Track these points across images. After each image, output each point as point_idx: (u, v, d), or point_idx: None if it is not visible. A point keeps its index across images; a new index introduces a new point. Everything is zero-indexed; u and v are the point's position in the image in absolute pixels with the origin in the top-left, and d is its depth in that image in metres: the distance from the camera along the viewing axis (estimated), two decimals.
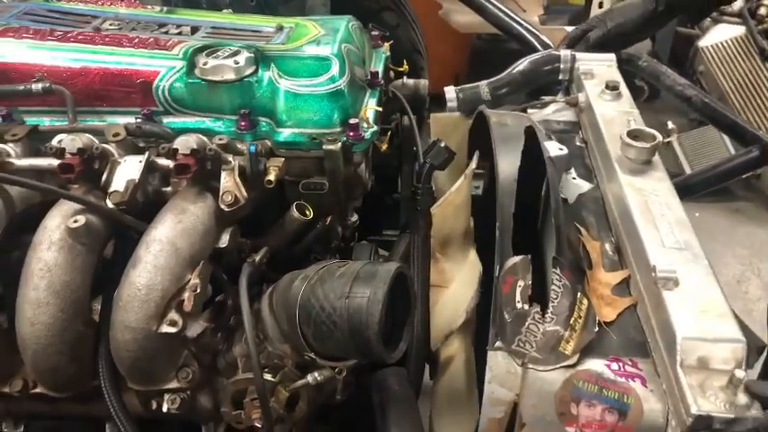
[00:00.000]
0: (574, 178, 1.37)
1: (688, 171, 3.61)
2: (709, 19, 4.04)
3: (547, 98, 1.76)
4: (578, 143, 1.48)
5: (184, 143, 1.01)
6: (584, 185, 1.35)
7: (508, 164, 1.13)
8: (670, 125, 3.97)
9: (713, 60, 3.78)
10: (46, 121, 1.18)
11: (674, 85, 1.92)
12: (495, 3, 1.97)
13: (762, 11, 3.75)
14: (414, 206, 1.22)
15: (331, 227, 1.20)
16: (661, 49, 4.24)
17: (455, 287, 1.19)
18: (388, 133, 1.28)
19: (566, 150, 1.19)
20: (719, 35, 3.80)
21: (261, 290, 1.07)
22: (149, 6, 1.41)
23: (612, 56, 1.63)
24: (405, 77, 1.62)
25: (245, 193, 1.02)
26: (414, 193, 1.21)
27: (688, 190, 1.98)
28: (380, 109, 1.22)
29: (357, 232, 1.65)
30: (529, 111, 1.67)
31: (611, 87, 1.46)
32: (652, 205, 1.16)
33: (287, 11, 1.95)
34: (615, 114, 1.40)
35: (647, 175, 1.23)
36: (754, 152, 1.79)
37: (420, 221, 1.21)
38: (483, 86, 1.59)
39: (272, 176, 1.05)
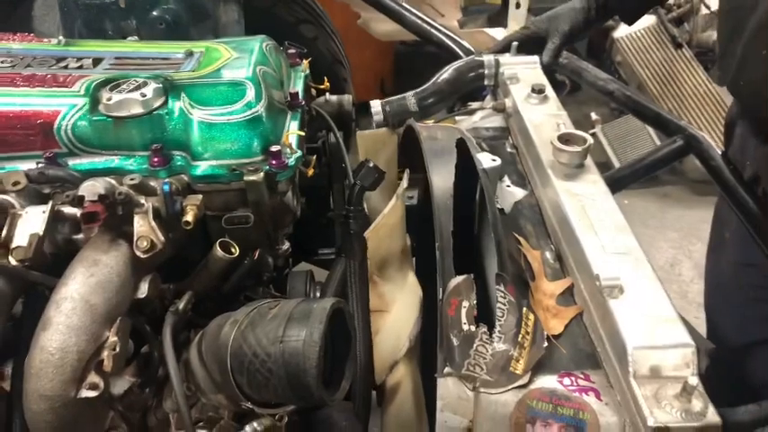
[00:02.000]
0: (508, 186, 1.34)
1: (614, 160, 3.68)
2: None
3: (474, 104, 1.74)
4: (509, 149, 1.46)
5: (91, 188, 0.93)
6: (519, 193, 1.33)
7: (442, 180, 1.08)
8: (594, 116, 4.05)
9: (629, 50, 3.87)
10: None
11: (595, 81, 1.93)
12: (413, 10, 1.93)
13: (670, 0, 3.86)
14: (347, 230, 1.17)
15: (260, 261, 1.13)
16: (577, 41, 4.32)
17: (396, 311, 1.14)
18: (314, 157, 1.22)
19: (499, 161, 1.16)
20: (633, 26, 3.90)
21: (189, 337, 1.00)
22: (46, 39, 1.31)
23: (536, 58, 1.61)
24: (327, 94, 1.56)
25: (161, 238, 0.94)
26: (346, 216, 1.16)
27: (618, 184, 1.99)
28: (303, 133, 1.16)
29: (291, 257, 1.59)
30: (457, 118, 1.65)
31: (538, 91, 1.44)
32: (590, 210, 1.14)
33: (199, 32, 1.87)
34: (543, 118, 1.38)
35: (582, 179, 1.21)
36: (679, 142, 1.81)
37: (355, 245, 1.16)
38: (409, 97, 1.54)
39: (189, 217, 0.98)
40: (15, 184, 1.00)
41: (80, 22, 1.83)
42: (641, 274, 1.01)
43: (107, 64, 1.21)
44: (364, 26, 2.29)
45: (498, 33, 2.24)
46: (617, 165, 3.61)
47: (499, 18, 3.28)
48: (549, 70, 1.66)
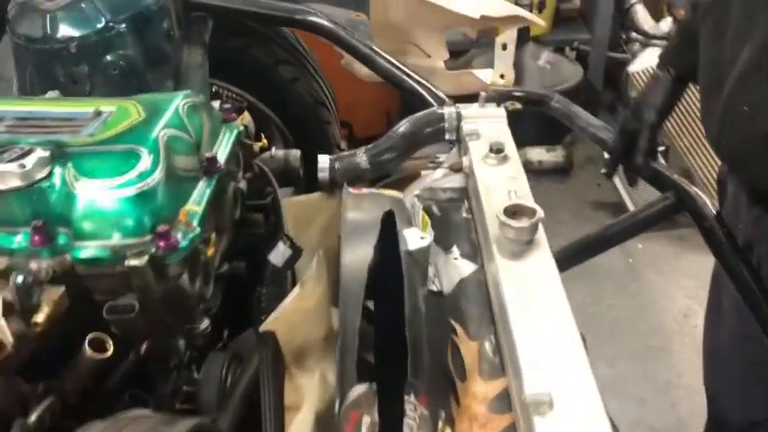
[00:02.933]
0: (456, 258, 1.20)
1: (627, 200, 3.49)
2: (638, 43, 3.97)
3: (442, 157, 1.60)
4: (465, 214, 1.31)
5: None
6: (468, 267, 1.18)
7: (354, 264, 0.95)
8: (606, 155, 3.81)
9: (643, 85, 3.69)
10: None
11: (586, 127, 1.79)
12: (383, 54, 1.81)
13: None
14: (258, 314, 1.03)
15: (160, 352, 1.00)
16: (594, 75, 4.16)
17: (304, 410, 1.00)
18: (213, 235, 1.09)
19: (429, 240, 1.01)
20: (648, 59, 3.73)
21: None
22: None
23: (502, 111, 1.47)
24: (273, 149, 1.44)
25: (10, 338, 0.82)
26: (257, 299, 1.03)
27: (606, 242, 1.83)
28: (199, 209, 1.03)
29: (231, 327, 1.46)
30: (423, 173, 1.51)
31: (496, 150, 1.30)
32: (531, 298, 0.99)
33: (157, 77, 1.77)
34: (498, 182, 1.24)
35: (529, 259, 1.06)
36: (671, 199, 1.64)
37: (266, 334, 1.02)
38: (360, 154, 1.42)
39: (40, 317, 0.86)
40: None
41: (31, 68, 1.75)
42: (579, 384, 0.86)
43: (4, 126, 1.10)
44: (348, 67, 2.18)
45: (485, 75, 2.10)
46: (630, 206, 3.42)
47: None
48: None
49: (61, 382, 0.91)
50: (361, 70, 2.27)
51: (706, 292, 3.15)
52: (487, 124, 1.42)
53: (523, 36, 3.73)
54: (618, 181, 3.56)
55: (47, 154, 0.99)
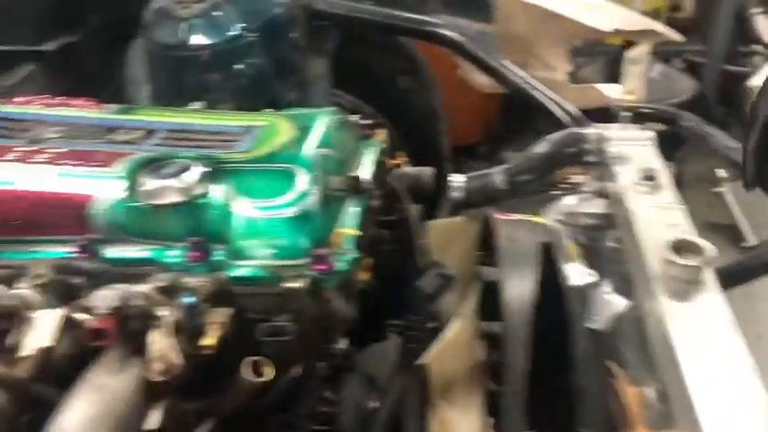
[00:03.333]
0: (607, 293, 1.13)
1: (743, 226, 3.30)
2: (759, 56, 3.76)
3: (577, 178, 1.52)
4: (612, 244, 1.24)
5: (103, 300, 0.82)
6: (621, 303, 1.11)
7: (518, 300, 0.90)
8: (721, 173, 3.63)
9: None
10: None
11: (722, 149, 1.68)
12: (512, 67, 1.75)
13: None
14: (406, 344, 1.00)
15: (305, 376, 0.98)
16: (708, 88, 3.96)
17: None
18: (369, 260, 1.07)
19: (595, 277, 0.95)
20: None
21: None
22: (104, 107, 1.23)
23: (651, 134, 1.39)
24: (406, 166, 1.41)
25: (178, 360, 0.81)
26: (406, 327, 1.00)
27: (748, 273, 1.71)
28: (353, 232, 1.01)
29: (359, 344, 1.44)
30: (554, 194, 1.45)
31: (648, 177, 1.22)
32: (704, 345, 0.92)
33: (283, 86, 1.77)
34: (654, 213, 1.16)
35: (698, 299, 0.98)
36: None
37: (414, 363, 0.99)
38: (497, 174, 1.36)
39: (209, 339, 0.85)
40: (37, 276, 0.91)
41: (164, 73, 1.79)
42: None
43: (158, 138, 1.11)
44: (465, 77, 2.13)
45: (612, 90, 2.01)
46: (745, 228, 3.23)
47: (615, 65, 3.01)
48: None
49: (217, 404, 0.91)
50: (479, 80, 2.22)
51: None
52: (635, 147, 1.34)
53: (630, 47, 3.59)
54: (732, 201, 3.37)
55: (205, 170, 0.98)
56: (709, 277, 1.02)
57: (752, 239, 3.16)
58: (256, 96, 1.73)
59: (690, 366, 0.88)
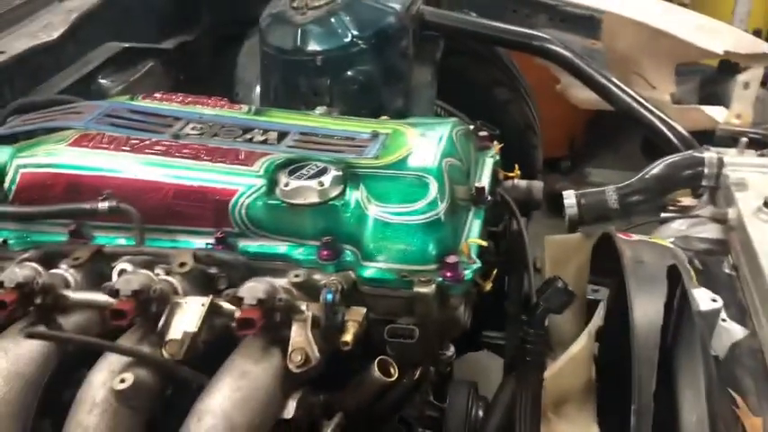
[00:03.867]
0: (724, 320, 1.12)
1: None
2: None
3: (686, 201, 1.51)
4: (727, 270, 1.23)
5: (251, 291, 0.87)
6: (738, 332, 1.10)
7: (647, 321, 0.90)
8: None
9: None
10: (120, 240, 1.07)
11: None
12: (620, 84, 1.74)
13: None
14: (523, 356, 1.02)
15: (421, 379, 1.01)
16: None
17: None
18: (494, 272, 1.09)
19: (720, 302, 0.95)
20: None
21: None
22: (237, 107, 1.29)
23: None
24: (516, 179, 1.42)
25: (316, 353, 0.85)
26: (524, 340, 1.01)
27: None
28: (485, 243, 1.03)
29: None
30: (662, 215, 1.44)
31: None
32: None
33: (390, 94, 1.80)
34: None
35: None
36: None
37: (529, 375, 1.00)
38: (610, 192, 1.36)
39: (348, 336, 0.88)
40: (182, 265, 0.97)
41: (277, 76, 1.84)
42: None
43: (291, 140, 1.16)
44: (563, 91, 2.12)
45: (718, 113, 1.97)
46: None
47: (713, 83, 2.93)
48: None
49: (343, 399, 0.94)
50: (578, 95, 2.21)
51: None
52: (755, 174, 1.32)
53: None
54: None
55: (340, 173, 1.02)
56: None
57: None
58: (364, 102, 1.77)
59: None
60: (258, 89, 1.96)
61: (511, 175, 1.36)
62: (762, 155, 1.46)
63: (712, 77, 3.04)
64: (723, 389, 0.97)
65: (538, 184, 1.44)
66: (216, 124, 1.20)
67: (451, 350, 1.15)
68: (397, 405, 1.01)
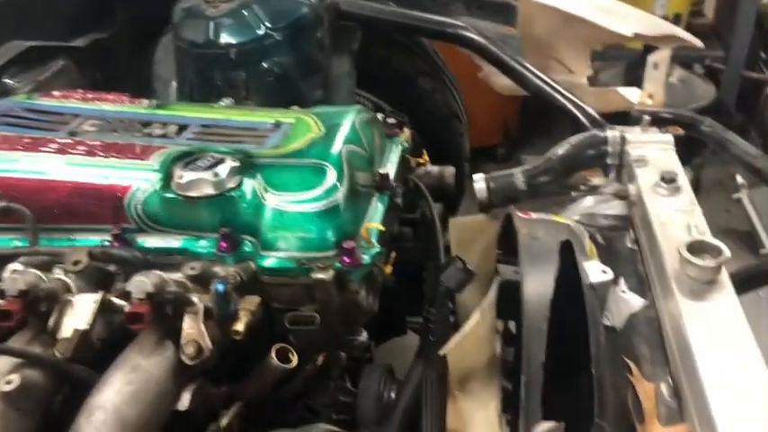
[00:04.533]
0: (623, 292, 1.15)
1: (761, 231, 3.29)
2: None
3: (596, 180, 1.55)
4: (629, 245, 1.27)
5: (139, 285, 0.86)
6: (637, 302, 1.13)
7: (537, 295, 0.92)
8: (739, 180, 3.63)
9: None
10: (15, 241, 1.04)
11: (742, 155, 1.69)
12: (533, 69, 1.77)
13: None
14: (426, 335, 1.03)
15: (326, 365, 1.02)
16: (727, 94, 3.96)
17: None
18: (392, 254, 1.10)
19: (610, 275, 0.98)
20: None
21: None
22: (138, 101, 1.27)
23: (670, 138, 1.41)
24: (428, 165, 1.44)
25: (209, 344, 0.85)
26: (427, 320, 1.03)
27: (765, 277, 1.72)
28: (380, 226, 1.04)
29: (377, 337, 1.47)
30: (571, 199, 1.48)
31: (668, 180, 1.25)
32: (719, 343, 0.94)
33: (308, 85, 1.80)
34: (672, 215, 1.18)
35: (713, 300, 1.01)
36: None
37: (434, 354, 1.02)
38: (517, 174, 1.39)
39: (240, 325, 0.88)
40: (76, 263, 0.95)
41: (192, 70, 1.82)
42: None
43: (191, 132, 1.15)
44: (485, 79, 2.15)
45: (632, 94, 2.02)
46: (764, 236, 3.22)
47: (637, 68, 3.02)
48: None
49: (243, 389, 0.94)
50: (499, 83, 2.24)
51: None
52: (655, 151, 1.37)
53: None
54: (750, 208, 3.37)
55: (237, 164, 1.02)
56: (725, 278, 1.04)
57: None
58: (282, 94, 1.76)
59: (704, 364, 0.91)
60: (175, 85, 1.93)
61: (421, 161, 1.37)
62: (666, 132, 1.51)
63: (637, 61, 3.13)
64: (618, 357, 1.00)
65: (450, 170, 1.46)
66: (114, 119, 1.18)
67: (364, 335, 1.16)
68: (301, 392, 1.01)
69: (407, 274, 1.38)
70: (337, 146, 1.07)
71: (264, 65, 1.76)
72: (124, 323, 0.85)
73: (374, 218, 1.08)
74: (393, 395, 1.14)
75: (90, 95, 1.29)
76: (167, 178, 1.02)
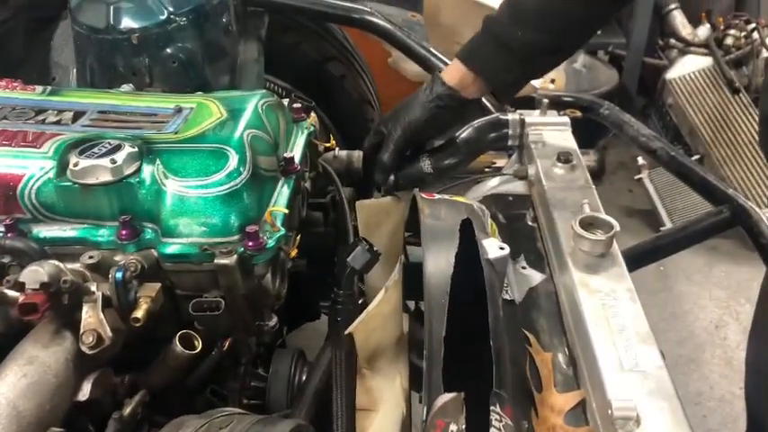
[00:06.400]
0: (524, 267, 1.21)
1: (661, 209, 3.47)
2: (675, 50, 3.94)
3: (500, 162, 1.60)
4: (529, 222, 1.32)
5: (33, 275, 0.83)
6: (536, 276, 1.19)
7: (438, 271, 0.95)
8: (641, 161, 3.80)
9: (681, 93, 3.67)
10: None
11: (637, 136, 1.79)
12: (435, 52, 1.81)
13: (728, 41, 3.65)
14: (334, 317, 1.04)
15: (234, 349, 1.01)
16: (629, 80, 4.14)
17: (383, 412, 1.01)
18: (297, 237, 1.11)
19: (507, 250, 1.02)
20: (687, 66, 3.70)
21: None
22: (30, 88, 1.22)
23: (567, 120, 1.47)
24: (336, 149, 1.45)
25: (109, 333, 0.84)
26: (334, 301, 1.04)
27: (657, 252, 1.83)
28: (283, 210, 1.04)
29: (290, 323, 1.48)
30: (478, 180, 1.52)
31: (564, 160, 1.31)
32: (609, 312, 1.00)
33: (214, 71, 1.78)
34: (568, 192, 1.24)
35: (604, 272, 1.07)
36: (725, 213, 1.64)
37: (341, 334, 1.03)
38: (423, 159, 1.42)
39: (139, 312, 0.87)
40: None
41: (92, 57, 1.76)
42: (663, 403, 0.87)
43: (87, 119, 1.11)
44: (394, 65, 2.18)
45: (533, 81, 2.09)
46: (663, 214, 3.40)
47: None
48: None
49: (148, 376, 0.93)
50: (410, 69, 2.28)
51: (737, 304, 3.15)
52: (552, 132, 1.42)
53: None
54: (650, 188, 3.54)
55: (135, 150, 1.00)
56: (616, 251, 1.11)
57: (668, 224, 3.32)
58: (188, 80, 1.73)
59: (596, 333, 0.96)
60: (75, 72, 1.87)
61: (328, 146, 1.38)
62: (563, 114, 1.57)
63: None
64: (518, 329, 1.05)
65: (357, 154, 1.47)
66: (6, 107, 1.14)
67: (274, 320, 1.16)
68: (208, 378, 1.01)
69: (319, 259, 1.39)
70: (239, 130, 1.06)
71: (168, 50, 1.73)
72: (18, 315, 0.83)
73: (279, 202, 1.08)
74: (304, 378, 1.16)
75: None
76: (62, 166, 0.99)
